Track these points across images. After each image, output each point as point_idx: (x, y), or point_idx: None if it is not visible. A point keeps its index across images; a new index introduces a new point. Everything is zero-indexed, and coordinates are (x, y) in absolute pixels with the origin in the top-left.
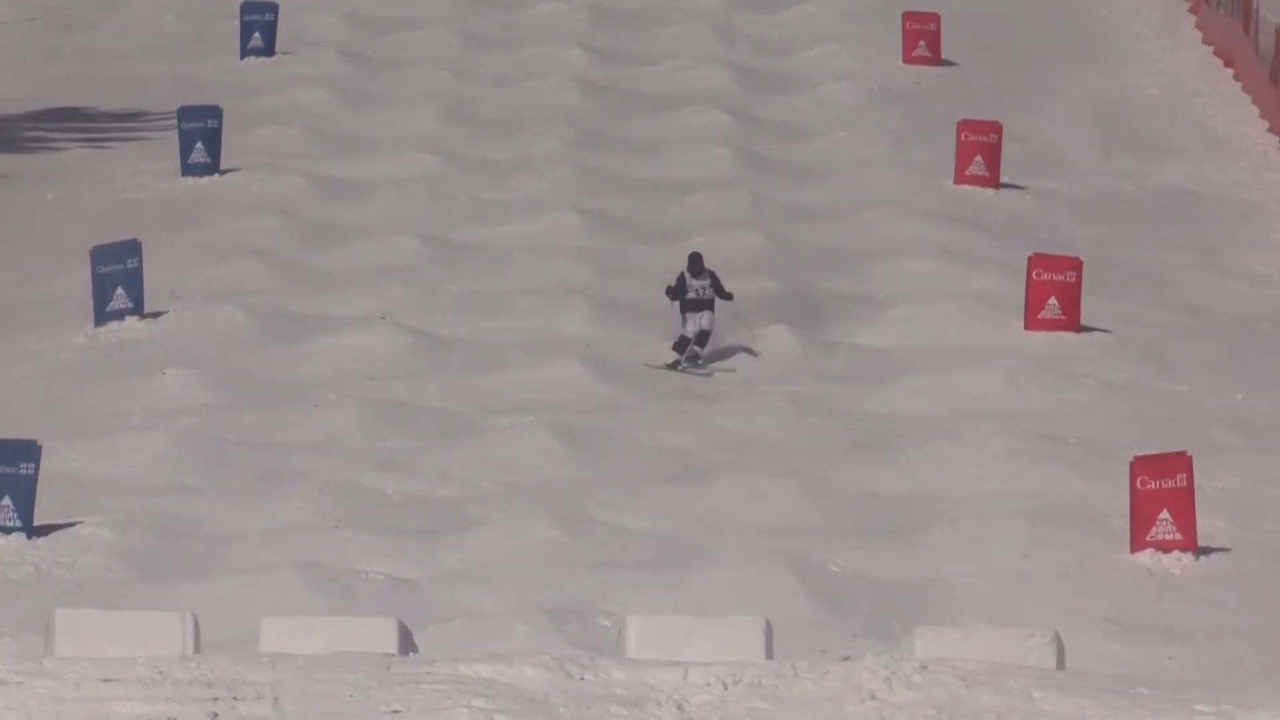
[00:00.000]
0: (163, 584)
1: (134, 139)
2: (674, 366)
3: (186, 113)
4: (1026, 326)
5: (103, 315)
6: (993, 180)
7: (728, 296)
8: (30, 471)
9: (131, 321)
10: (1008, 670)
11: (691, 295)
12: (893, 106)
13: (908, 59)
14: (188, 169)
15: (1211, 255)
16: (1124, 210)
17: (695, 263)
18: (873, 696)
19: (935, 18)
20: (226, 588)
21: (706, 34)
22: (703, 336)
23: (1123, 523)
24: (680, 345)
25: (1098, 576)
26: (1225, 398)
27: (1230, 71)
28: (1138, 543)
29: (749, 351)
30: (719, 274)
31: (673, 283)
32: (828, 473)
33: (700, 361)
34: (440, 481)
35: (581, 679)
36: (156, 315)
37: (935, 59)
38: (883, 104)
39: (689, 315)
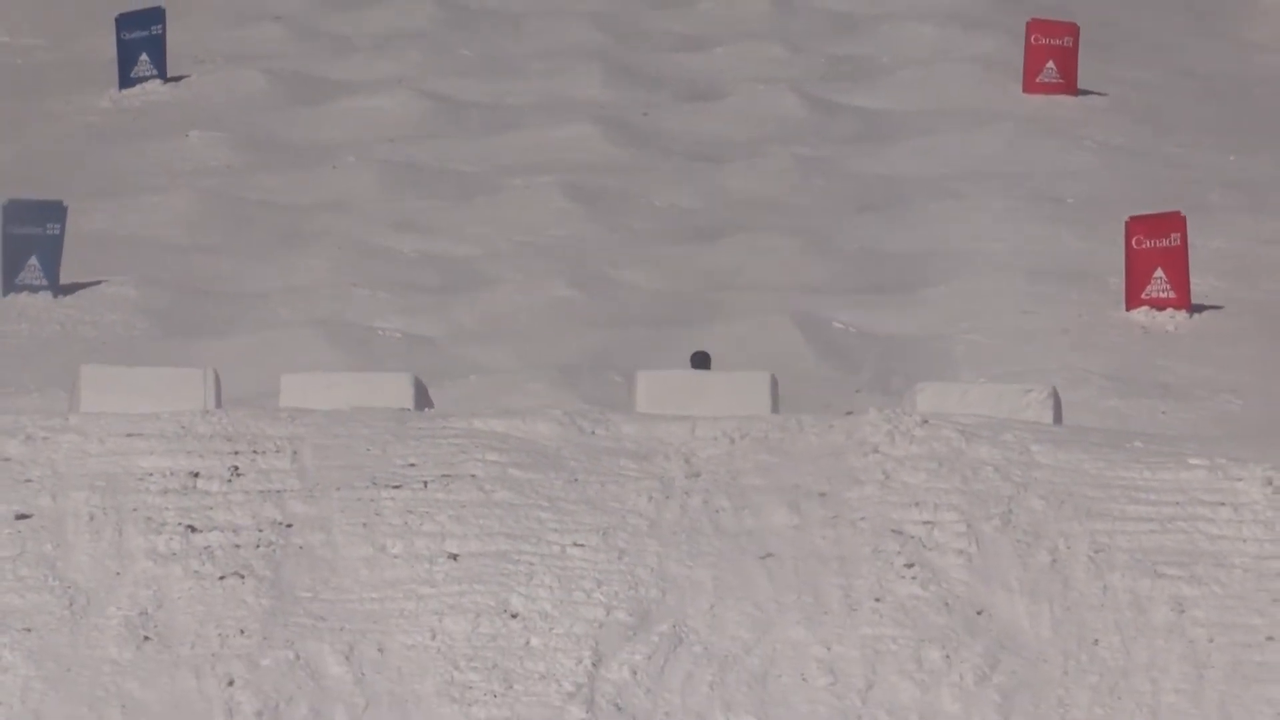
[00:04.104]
0: (185, 341)
1: None
2: None
3: None
4: (1025, 90)
5: (127, 78)
6: None
7: None
8: (56, 231)
9: (155, 84)
10: (1006, 424)
11: None
12: None
13: None
14: None
15: (1204, 21)
16: None
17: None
18: (875, 450)
19: None
20: (247, 344)
21: None
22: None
23: (1119, 281)
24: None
25: (1095, 333)
26: (1219, 160)
27: None
28: (1133, 300)
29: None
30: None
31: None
32: (833, 232)
33: None
34: (456, 240)
35: (593, 433)
36: (179, 79)
37: None
38: None
39: None
